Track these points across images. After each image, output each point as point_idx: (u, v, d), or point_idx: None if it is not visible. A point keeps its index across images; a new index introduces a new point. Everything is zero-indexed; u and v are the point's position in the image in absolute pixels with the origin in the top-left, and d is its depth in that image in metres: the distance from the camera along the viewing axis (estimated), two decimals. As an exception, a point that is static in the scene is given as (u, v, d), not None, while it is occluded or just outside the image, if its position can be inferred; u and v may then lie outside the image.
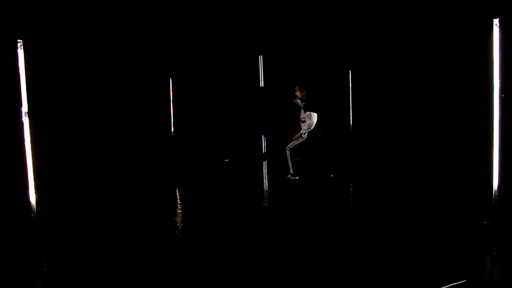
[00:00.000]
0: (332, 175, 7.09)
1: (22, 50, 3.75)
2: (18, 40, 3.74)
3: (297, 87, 6.95)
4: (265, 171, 8.44)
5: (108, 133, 7.47)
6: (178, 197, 6.21)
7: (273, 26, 8.47)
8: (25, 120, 3.78)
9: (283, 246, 3.90)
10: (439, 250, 3.67)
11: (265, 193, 6.39)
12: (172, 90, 9.61)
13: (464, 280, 3.04)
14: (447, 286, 2.96)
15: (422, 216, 4.64)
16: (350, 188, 6.49)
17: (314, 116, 6.82)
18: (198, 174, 8.17)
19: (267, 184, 7.17)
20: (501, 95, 3.52)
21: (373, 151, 9.30)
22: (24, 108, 3.78)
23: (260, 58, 9.27)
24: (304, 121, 6.92)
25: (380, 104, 9.73)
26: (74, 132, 7.38)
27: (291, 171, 7.00)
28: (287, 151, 6.97)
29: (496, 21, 3.50)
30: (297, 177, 6.99)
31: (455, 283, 3.00)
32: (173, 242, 4.15)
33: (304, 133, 6.88)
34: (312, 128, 6.84)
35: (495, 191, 3.60)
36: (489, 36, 3.58)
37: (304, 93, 6.93)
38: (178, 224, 4.78)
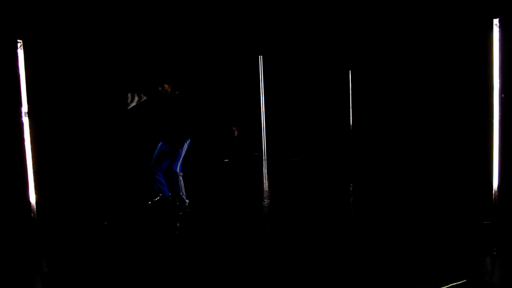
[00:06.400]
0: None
1: (22, 50, 3.75)
2: (18, 40, 3.74)
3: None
4: (265, 171, 8.44)
5: (108, 133, 7.48)
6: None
7: (273, 26, 8.47)
8: (25, 120, 3.78)
9: (283, 246, 3.90)
10: (439, 250, 3.66)
11: (264, 193, 6.39)
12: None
13: (464, 280, 3.04)
14: (447, 286, 2.96)
15: (422, 216, 4.64)
16: (350, 188, 6.49)
17: None
18: (198, 174, 8.16)
19: (267, 184, 7.17)
20: (501, 95, 3.52)
21: (373, 151, 9.30)
22: (24, 108, 3.78)
23: (260, 58, 9.27)
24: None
25: (380, 104, 9.73)
26: (74, 132, 7.37)
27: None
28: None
29: (496, 21, 3.50)
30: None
31: (455, 283, 3.00)
32: (173, 242, 4.15)
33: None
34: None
35: (495, 191, 3.60)
36: (489, 36, 3.58)
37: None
38: (178, 224, 4.78)
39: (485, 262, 3.45)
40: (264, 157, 9.29)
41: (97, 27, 7.18)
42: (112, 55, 7.65)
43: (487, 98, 3.75)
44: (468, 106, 7.27)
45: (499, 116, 3.53)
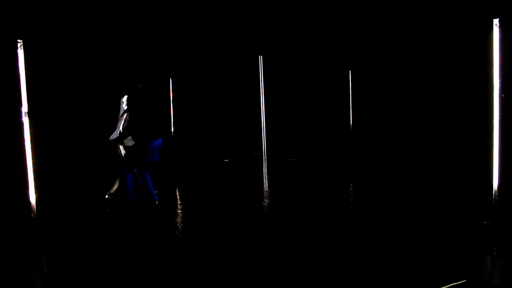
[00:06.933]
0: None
1: (22, 50, 3.75)
2: (18, 40, 3.74)
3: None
4: (265, 171, 8.44)
5: (108, 133, 7.46)
6: (178, 197, 6.21)
7: (273, 26, 8.48)
8: (25, 120, 3.78)
9: (282, 246, 3.90)
10: (439, 250, 3.66)
11: (264, 193, 6.39)
12: (172, 90, 9.61)
13: (464, 280, 3.04)
14: (447, 286, 2.96)
15: (422, 216, 4.64)
16: (350, 188, 6.49)
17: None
18: (198, 174, 8.17)
19: (266, 184, 7.17)
20: (501, 95, 3.52)
21: (373, 151, 9.30)
22: (24, 108, 3.78)
23: (260, 58, 9.27)
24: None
25: (380, 104, 9.73)
26: (74, 132, 7.37)
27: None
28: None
29: (496, 21, 3.50)
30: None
31: (455, 283, 3.00)
32: (173, 242, 4.15)
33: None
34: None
35: (495, 191, 3.59)
36: (489, 36, 3.58)
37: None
38: (178, 224, 4.78)
39: (485, 262, 3.45)
40: (264, 157, 9.29)
41: (96, 27, 7.18)
42: (112, 55, 7.66)
43: (487, 98, 3.75)
44: (468, 106, 7.27)
45: (499, 116, 3.53)
